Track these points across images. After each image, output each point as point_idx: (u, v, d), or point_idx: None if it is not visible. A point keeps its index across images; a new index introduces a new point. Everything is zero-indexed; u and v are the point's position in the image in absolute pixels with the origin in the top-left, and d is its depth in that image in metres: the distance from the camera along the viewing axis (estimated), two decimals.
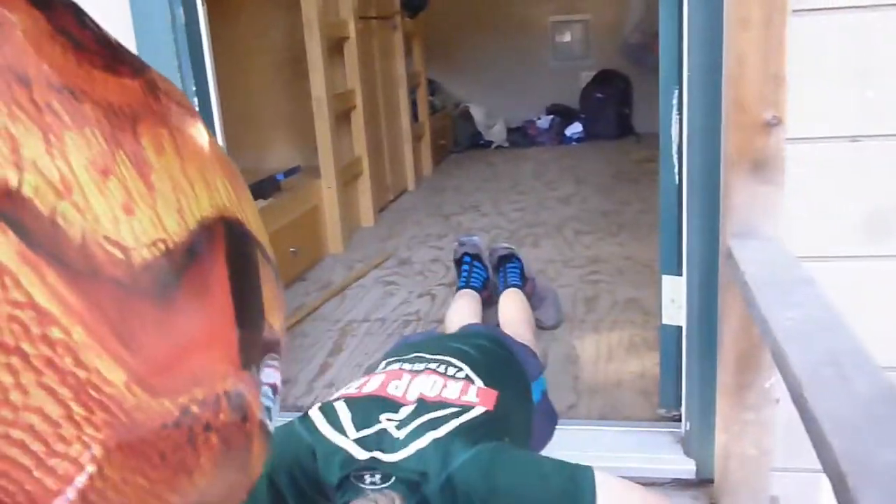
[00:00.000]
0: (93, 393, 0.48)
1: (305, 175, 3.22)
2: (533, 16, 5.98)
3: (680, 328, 1.51)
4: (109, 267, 0.49)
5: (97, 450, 0.48)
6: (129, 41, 1.45)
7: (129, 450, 0.50)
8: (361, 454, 1.11)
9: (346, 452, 1.11)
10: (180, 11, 1.47)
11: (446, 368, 1.34)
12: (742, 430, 1.30)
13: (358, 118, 3.50)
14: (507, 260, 2.28)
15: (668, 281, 1.55)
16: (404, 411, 1.19)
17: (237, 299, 0.58)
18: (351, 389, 1.29)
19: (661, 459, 1.53)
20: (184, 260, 0.53)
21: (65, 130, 0.49)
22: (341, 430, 1.15)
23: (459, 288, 2.26)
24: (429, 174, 4.70)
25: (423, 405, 1.20)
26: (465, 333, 1.74)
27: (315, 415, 1.19)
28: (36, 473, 0.47)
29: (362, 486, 1.08)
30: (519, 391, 1.46)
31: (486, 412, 1.22)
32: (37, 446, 0.47)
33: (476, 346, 1.49)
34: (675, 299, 1.53)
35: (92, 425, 0.48)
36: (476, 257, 2.34)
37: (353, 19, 3.41)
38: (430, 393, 1.25)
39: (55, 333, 0.46)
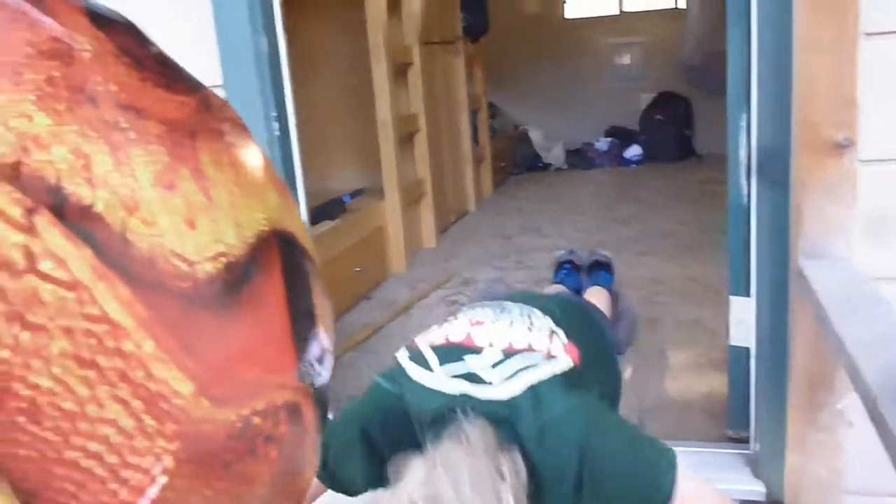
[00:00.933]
0: (163, 405, 0.49)
1: (370, 197, 3.30)
2: (591, 38, 6.02)
3: (748, 349, 1.52)
4: (175, 280, 0.50)
5: (168, 461, 0.49)
6: (215, 69, 1.53)
7: (197, 461, 0.51)
8: (453, 388, 1.10)
9: (437, 392, 1.11)
10: (264, 41, 1.55)
11: (531, 318, 1.30)
12: (814, 451, 1.30)
13: (421, 141, 3.57)
14: (603, 267, 2.30)
15: (736, 302, 1.55)
16: (490, 355, 1.16)
17: (292, 310, 0.59)
18: (435, 337, 1.26)
19: (729, 480, 1.53)
20: (244, 273, 0.54)
21: (131, 147, 0.50)
22: (428, 368, 1.14)
23: (553, 284, 2.29)
24: (489, 196, 4.75)
25: (510, 353, 1.18)
26: (552, 294, 1.76)
27: (404, 361, 1.18)
28: (111, 485, 0.48)
29: (456, 418, 1.06)
30: (604, 357, 1.44)
31: (574, 367, 1.19)
32: (112, 458, 0.48)
33: (559, 305, 1.46)
34: (742, 320, 1.54)
35: (163, 437, 0.49)
36: (576, 267, 2.35)
37: (418, 45, 3.49)
38: (517, 342, 1.21)
39: (128, 346, 0.47)
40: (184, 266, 0.50)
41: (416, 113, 3.53)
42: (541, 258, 3.24)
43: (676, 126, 5.68)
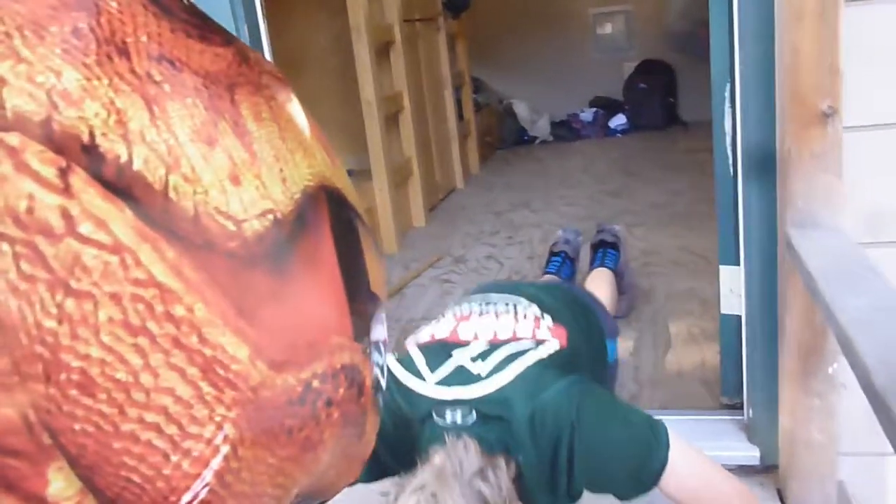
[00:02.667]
0: (220, 371, 0.47)
1: (358, 178, 3.29)
2: (573, 9, 5.97)
3: (739, 317, 1.53)
4: (223, 239, 0.48)
5: (230, 430, 0.48)
6: None
7: (258, 428, 0.49)
8: (444, 394, 1.13)
9: (429, 397, 1.14)
10: (244, 28, 1.53)
11: (515, 308, 1.34)
12: (807, 415, 1.32)
13: (406, 120, 3.56)
14: (610, 245, 2.26)
15: (725, 271, 1.56)
16: (476, 347, 1.20)
17: (344, 269, 0.57)
18: (423, 336, 1.31)
19: (725, 447, 1.55)
20: (293, 230, 0.52)
21: (168, 101, 0.48)
22: (419, 376, 1.17)
23: (546, 273, 2.27)
24: (476, 172, 4.74)
25: (495, 343, 1.21)
26: (540, 283, 1.77)
27: (393, 366, 1.21)
28: (173, 457, 0.46)
29: (443, 423, 1.11)
30: (592, 340, 1.46)
31: (562, 348, 1.23)
32: (171, 429, 0.46)
33: (547, 292, 1.49)
34: (733, 289, 1.55)
35: (223, 404, 0.47)
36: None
37: (399, 22, 3.46)
38: (502, 332, 1.25)
39: (178, 311, 0.45)
40: (231, 224, 0.48)
41: (401, 91, 3.51)
42: (532, 233, 3.26)
43: (661, 94, 5.67)
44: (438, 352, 1.21)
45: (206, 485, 0.48)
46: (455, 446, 1.06)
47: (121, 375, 0.44)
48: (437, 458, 1.05)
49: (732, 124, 1.45)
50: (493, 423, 1.10)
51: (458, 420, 1.10)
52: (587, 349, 1.37)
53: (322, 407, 0.53)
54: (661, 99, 5.65)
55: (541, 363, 1.16)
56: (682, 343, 2.05)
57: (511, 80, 5.98)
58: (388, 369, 1.19)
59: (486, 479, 1.02)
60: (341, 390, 0.55)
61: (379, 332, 0.62)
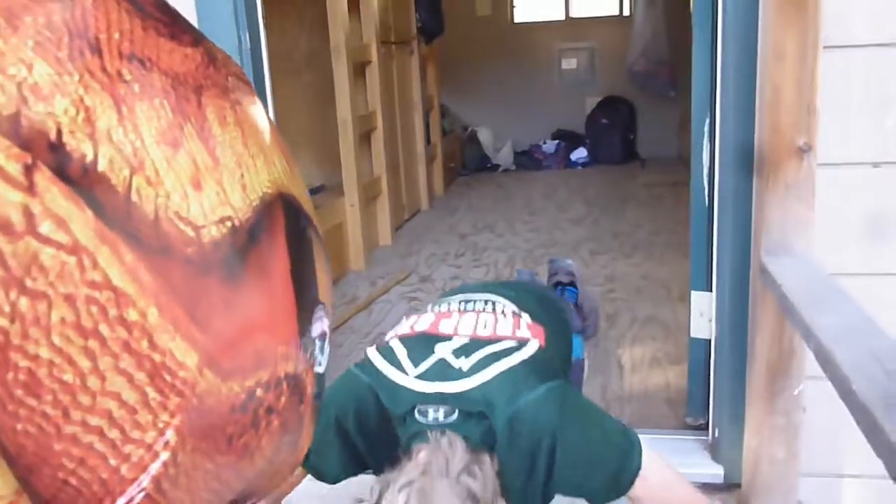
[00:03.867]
0: (167, 377, 0.47)
1: (329, 193, 3.32)
2: (540, 42, 6.14)
3: (708, 341, 1.61)
4: (181, 245, 0.48)
5: (171, 436, 0.48)
6: None
7: (200, 435, 0.49)
8: (425, 388, 1.12)
9: (410, 389, 1.13)
10: (246, 36, 1.57)
11: (494, 306, 1.35)
12: (772, 434, 1.39)
13: (378, 139, 3.61)
14: (568, 284, 2.25)
15: (697, 296, 1.64)
16: (458, 341, 1.20)
17: (295, 278, 0.58)
18: (403, 328, 1.30)
19: (689, 464, 1.61)
20: (249, 238, 0.52)
21: (136, 101, 0.47)
22: (401, 368, 1.16)
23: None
24: (440, 195, 4.81)
25: (476, 340, 1.21)
26: (511, 282, 1.80)
27: (374, 356, 1.20)
28: (112, 462, 0.46)
29: (425, 421, 1.10)
30: (564, 338, 1.48)
31: (541, 348, 1.23)
32: (113, 433, 0.46)
33: (522, 290, 1.52)
34: (703, 313, 1.63)
35: (167, 411, 0.47)
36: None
37: (376, 44, 3.52)
38: (483, 329, 1.25)
39: (132, 315, 0.45)
40: (189, 230, 0.48)
41: (374, 111, 3.57)
42: (497, 256, 3.32)
43: (621, 130, 5.85)
44: (421, 345, 1.20)
45: (143, 490, 0.48)
46: (440, 443, 1.06)
47: (68, 378, 0.44)
48: (423, 454, 1.05)
49: (710, 156, 1.53)
50: (474, 419, 1.10)
51: (441, 418, 1.10)
52: (560, 347, 1.39)
53: (263, 415, 0.54)
54: (621, 134, 5.83)
55: (523, 364, 1.17)
56: (646, 365, 2.12)
57: (477, 107, 6.09)
58: (370, 361, 1.19)
59: (474, 475, 1.03)
60: (283, 399, 0.56)
61: (318, 328, 0.63)
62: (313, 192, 3.19)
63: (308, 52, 3.50)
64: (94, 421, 0.44)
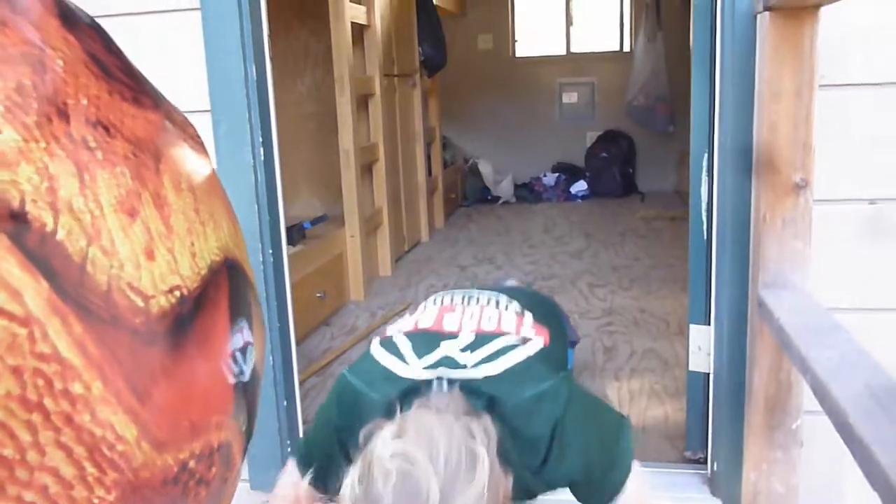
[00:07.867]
0: (106, 451, 0.46)
1: (330, 224, 3.34)
2: (541, 77, 6.20)
3: (707, 374, 1.62)
4: (129, 315, 0.48)
5: None
6: (204, 96, 1.57)
7: None
8: (429, 375, 1.09)
9: (412, 379, 1.09)
10: (252, 69, 1.60)
11: (497, 302, 1.33)
12: (770, 468, 1.39)
13: (380, 171, 3.64)
14: None
15: (695, 330, 1.65)
16: (464, 338, 1.18)
17: (233, 342, 0.59)
18: (407, 324, 1.28)
19: (688, 498, 1.61)
20: (194, 307, 0.52)
21: (98, 169, 0.47)
22: (403, 360, 1.14)
23: None
24: (441, 227, 4.83)
25: (481, 334, 1.19)
26: (508, 286, 1.83)
27: (377, 350, 1.18)
28: None
29: (426, 392, 1.05)
30: (561, 345, 1.46)
31: (545, 347, 1.21)
32: None
33: (523, 294, 1.51)
34: (702, 346, 1.64)
35: (103, 486, 0.47)
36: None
37: (379, 75, 3.57)
38: (487, 324, 1.23)
39: (77, 388, 0.45)
40: (139, 300, 0.48)
41: (377, 143, 3.60)
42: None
43: (620, 164, 5.89)
44: (427, 341, 1.18)
45: None
46: (442, 393, 1.03)
47: (7, 452, 0.43)
48: (423, 403, 1.02)
49: (709, 192, 1.56)
50: (478, 396, 1.06)
51: (445, 389, 1.06)
52: (559, 353, 1.38)
53: (193, 486, 0.54)
54: (620, 168, 5.87)
55: (529, 359, 1.15)
56: (645, 399, 2.12)
57: (478, 140, 6.14)
58: (370, 355, 1.17)
59: (476, 419, 0.99)
60: (213, 469, 0.56)
61: (239, 340, 0.62)
62: (315, 222, 3.21)
63: (312, 83, 3.55)
64: (29, 497, 0.43)
